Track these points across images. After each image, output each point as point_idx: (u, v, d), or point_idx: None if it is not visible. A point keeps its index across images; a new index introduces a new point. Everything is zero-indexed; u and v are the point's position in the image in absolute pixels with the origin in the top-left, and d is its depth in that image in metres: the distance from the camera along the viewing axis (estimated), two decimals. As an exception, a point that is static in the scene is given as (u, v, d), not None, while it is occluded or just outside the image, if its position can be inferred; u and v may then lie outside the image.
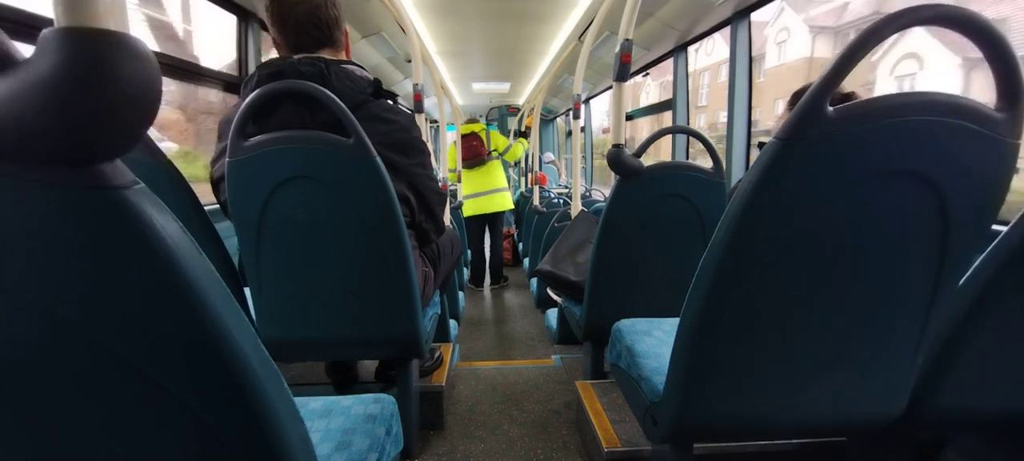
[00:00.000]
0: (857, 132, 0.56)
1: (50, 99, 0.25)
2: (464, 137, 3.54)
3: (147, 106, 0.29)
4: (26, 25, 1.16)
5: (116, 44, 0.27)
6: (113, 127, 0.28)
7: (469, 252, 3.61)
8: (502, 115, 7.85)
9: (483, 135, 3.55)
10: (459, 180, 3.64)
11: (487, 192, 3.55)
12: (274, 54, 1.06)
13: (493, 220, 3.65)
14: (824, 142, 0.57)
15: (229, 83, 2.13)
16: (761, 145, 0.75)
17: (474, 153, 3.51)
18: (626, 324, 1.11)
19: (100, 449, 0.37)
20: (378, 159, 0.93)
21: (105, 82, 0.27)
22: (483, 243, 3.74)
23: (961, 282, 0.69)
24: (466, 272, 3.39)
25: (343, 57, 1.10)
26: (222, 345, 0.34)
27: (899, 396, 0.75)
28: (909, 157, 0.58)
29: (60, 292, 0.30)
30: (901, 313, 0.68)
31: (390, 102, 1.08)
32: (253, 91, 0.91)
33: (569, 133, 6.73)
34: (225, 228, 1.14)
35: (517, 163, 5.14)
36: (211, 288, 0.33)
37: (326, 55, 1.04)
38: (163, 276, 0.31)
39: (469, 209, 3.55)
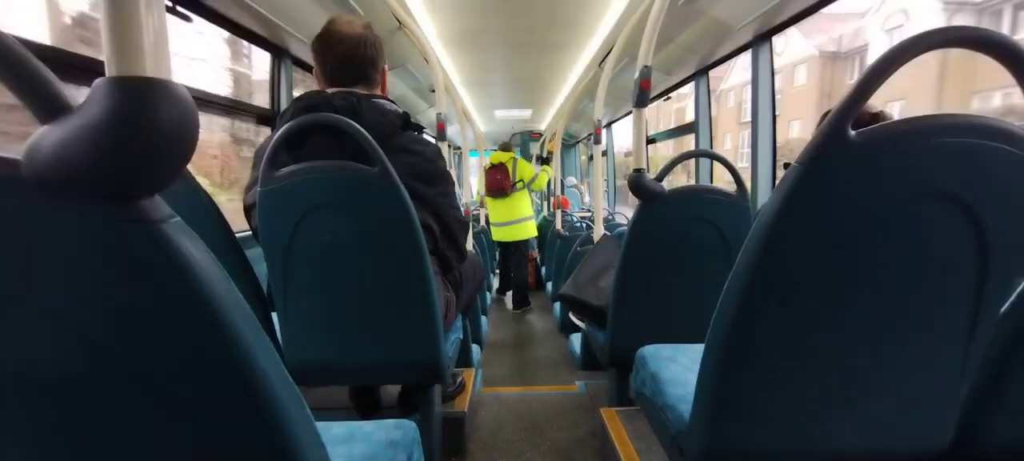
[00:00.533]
0: (881, 156, 0.55)
1: (101, 142, 0.28)
2: (491, 168, 3.63)
3: (185, 145, 0.31)
4: (75, 66, 1.26)
5: (160, 91, 0.30)
6: (154, 166, 0.30)
7: (493, 276, 3.65)
8: (524, 141, 7.94)
9: (510, 165, 3.62)
10: (482, 205, 3.77)
11: (511, 222, 3.66)
12: (310, 87, 1.12)
13: (516, 247, 3.75)
14: (847, 167, 0.56)
15: (261, 117, 2.23)
16: (786, 166, 0.74)
17: (498, 186, 3.59)
18: (650, 350, 1.09)
19: None
20: (402, 187, 0.95)
21: (149, 126, 0.29)
22: (509, 264, 3.89)
23: (1004, 308, 0.66)
24: (489, 297, 3.39)
25: (377, 93, 1.15)
26: (247, 371, 0.35)
27: (943, 428, 0.71)
28: (938, 181, 0.56)
29: (99, 317, 0.33)
30: (938, 340, 0.65)
31: (417, 134, 1.12)
32: (287, 123, 0.96)
33: (590, 157, 6.74)
34: (255, 253, 1.18)
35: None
36: (239, 316, 0.35)
37: (360, 90, 1.10)
38: (193, 305, 0.33)
39: (495, 235, 3.72)
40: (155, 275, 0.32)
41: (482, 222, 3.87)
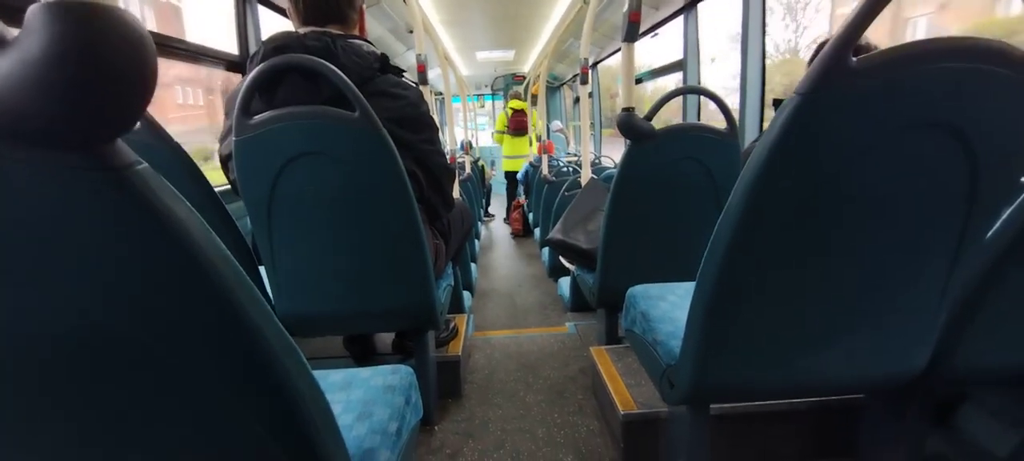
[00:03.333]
0: (882, 83, 0.54)
1: (39, 79, 0.25)
2: (515, 112, 4.82)
3: (141, 84, 0.28)
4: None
5: (105, 17, 0.26)
6: (106, 106, 0.27)
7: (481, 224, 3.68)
8: (507, 84, 7.72)
9: (528, 110, 4.88)
10: (495, 140, 5.11)
11: (522, 156, 4.92)
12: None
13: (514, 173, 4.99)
14: (848, 95, 0.54)
15: (231, 63, 2.11)
16: (776, 102, 0.72)
17: (523, 127, 4.85)
18: (640, 290, 1.10)
19: (118, 432, 0.38)
20: (384, 132, 0.92)
21: (94, 59, 0.25)
22: (516, 186, 5.02)
23: (987, 236, 0.67)
24: (478, 244, 3.40)
25: (355, 34, 1.09)
26: (237, 322, 0.34)
27: (921, 353, 0.74)
28: (937, 107, 0.55)
29: (68, 278, 0.30)
30: (925, 269, 0.66)
31: (398, 78, 1.07)
32: (257, 66, 0.90)
33: (577, 100, 6.61)
34: (237, 208, 1.15)
35: (539, 137, 5.78)
36: (222, 266, 0.33)
37: (335, 30, 1.03)
38: (171, 256, 0.31)
39: (508, 165, 5.00)
40: (125, 226, 0.30)
41: (467, 170, 3.83)
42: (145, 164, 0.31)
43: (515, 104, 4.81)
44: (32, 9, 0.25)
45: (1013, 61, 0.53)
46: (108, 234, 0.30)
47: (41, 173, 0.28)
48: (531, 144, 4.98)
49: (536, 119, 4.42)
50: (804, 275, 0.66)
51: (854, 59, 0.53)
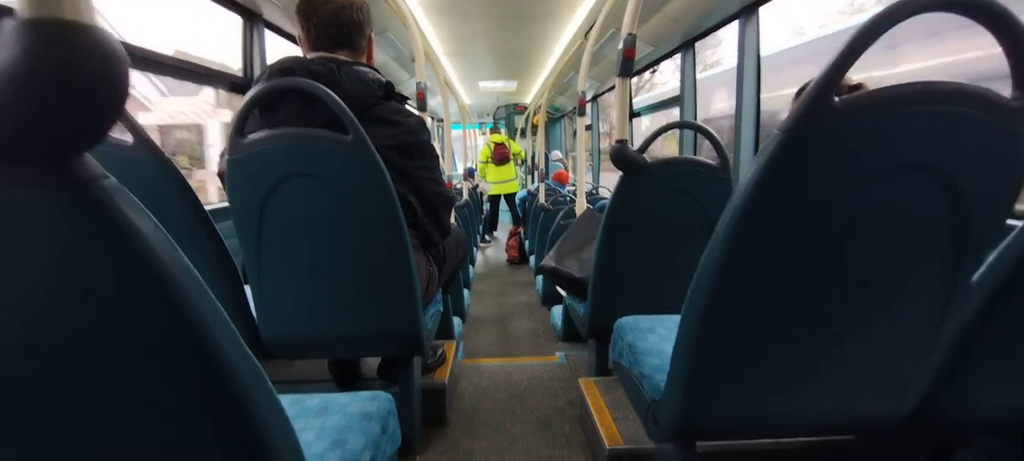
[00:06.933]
0: (865, 124, 0.54)
1: (9, 93, 0.25)
2: (497, 145, 5.60)
3: (111, 99, 0.28)
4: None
5: (81, 35, 0.26)
6: (72, 121, 0.27)
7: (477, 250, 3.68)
8: (509, 114, 7.84)
9: (507, 144, 5.69)
10: (479, 174, 5.73)
11: (507, 181, 5.69)
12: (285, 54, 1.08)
13: (508, 197, 5.69)
14: (830, 135, 0.55)
15: (234, 83, 2.14)
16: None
17: (505, 157, 5.62)
18: (628, 321, 1.09)
19: (74, 451, 0.36)
20: (377, 157, 0.92)
21: (62, 75, 0.26)
22: (498, 209, 6.06)
23: (975, 277, 0.67)
24: (471, 270, 3.39)
25: (362, 61, 1.11)
26: (197, 341, 0.33)
27: (910, 394, 0.73)
28: (919, 149, 0.56)
29: (29, 292, 0.30)
30: (911, 309, 0.66)
31: (400, 105, 1.08)
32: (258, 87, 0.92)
33: (575, 131, 6.71)
34: (227, 226, 1.14)
35: (523, 161, 6.41)
36: (185, 283, 0.32)
37: (343, 56, 1.06)
38: (134, 272, 0.30)
39: (494, 190, 5.72)
40: (88, 241, 0.30)
41: (465, 196, 3.85)
42: (112, 179, 0.31)
43: (496, 138, 5.69)
44: (5, 24, 0.26)
45: (993, 106, 0.54)
46: (69, 246, 0.30)
47: (4, 184, 0.28)
48: (525, 173, 5.59)
49: (538, 146, 4.59)
50: (789, 311, 0.66)
51: (837, 99, 0.54)
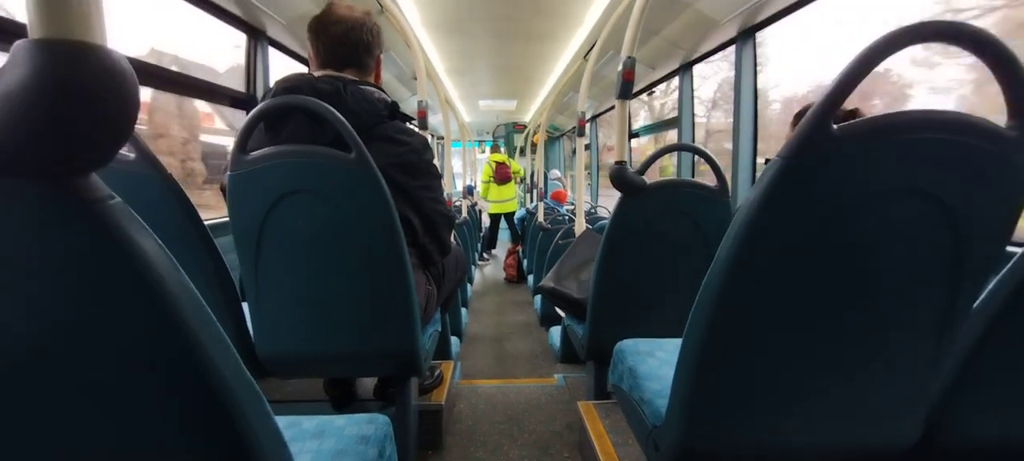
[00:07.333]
0: (863, 151, 0.55)
1: (15, 111, 0.25)
2: (499, 165, 5.58)
3: (122, 120, 0.28)
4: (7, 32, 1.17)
5: (90, 56, 0.26)
6: (80, 141, 0.27)
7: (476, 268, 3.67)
8: (508, 133, 7.90)
9: (508, 162, 5.68)
10: (480, 193, 5.79)
11: (507, 200, 5.68)
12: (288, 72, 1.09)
13: (508, 216, 5.73)
14: (828, 161, 0.55)
15: (236, 99, 2.16)
16: (767, 163, 0.73)
17: (507, 177, 5.61)
18: (628, 345, 1.08)
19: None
20: (379, 175, 0.92)
21: (71, 95, 0.26)
22: (498, 227, 6.05)
23: (975, 304, 0.67)
24: (470, 289, 3.37)
25: (370, 80, 1.13)
26: (197, 362, 0.33)
27: (913, 422, 0.72)
28: (918, 176, 0.56)
29: (30, 310, 0.29)
30: (912, 337, 0.65)
31: (403, 124, 1.09)
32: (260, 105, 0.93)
33: (574, 151, 6.76)
34: (227, 242, 1.14)
35: (523, 180, 6.38)
36: (187, 304, 0.32)
37: (350, 75, 1.07)
38: (135, 292, 0.30)
39: (494, 209, 5.72)
40: (91, 260, 0.29)
41: (464, 213, 3.86)
42: (118, 199, 0.31)
43: (497, 157, 5.66)
44: (17, 44, 0.26)
45: (990, 135, 0.55)
46: (72, 264, 0.30)
47: (12, 202, 0.28)
48: (524, 192, 5.57)
49: (537, 165, 4.64)
50: (790, 337, 0.65)
51: (835, 127, 0.54)
